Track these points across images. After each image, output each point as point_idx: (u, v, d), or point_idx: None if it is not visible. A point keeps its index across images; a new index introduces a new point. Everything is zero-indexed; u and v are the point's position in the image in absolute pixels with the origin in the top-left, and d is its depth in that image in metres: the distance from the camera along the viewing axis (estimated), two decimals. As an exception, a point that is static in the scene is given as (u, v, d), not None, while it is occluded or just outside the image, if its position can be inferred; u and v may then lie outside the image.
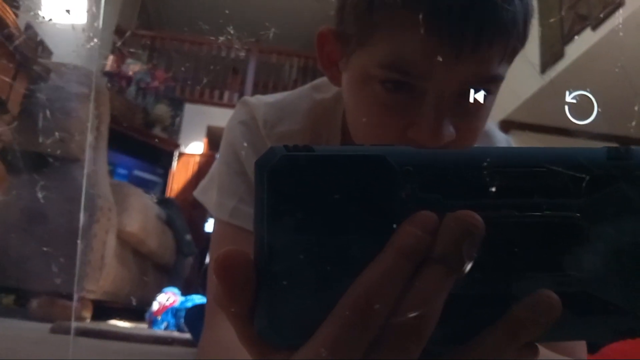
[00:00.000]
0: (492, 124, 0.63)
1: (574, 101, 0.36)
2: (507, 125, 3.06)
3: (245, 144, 0.57)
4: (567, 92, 0.35)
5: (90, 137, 1.45)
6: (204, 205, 0.60)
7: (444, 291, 0.22)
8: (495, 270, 0.22)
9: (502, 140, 0.63)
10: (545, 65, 2.91)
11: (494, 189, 0.22)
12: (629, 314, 0.23)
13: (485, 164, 0.22)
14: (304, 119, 0.58)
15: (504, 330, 0.22)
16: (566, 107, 0.36)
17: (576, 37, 2.68)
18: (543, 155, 0.23)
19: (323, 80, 0.62)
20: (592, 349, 0.79)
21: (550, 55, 2.84)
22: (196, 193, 0.62)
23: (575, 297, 0.23)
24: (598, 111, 0.35)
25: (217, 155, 0.61)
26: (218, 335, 0.51)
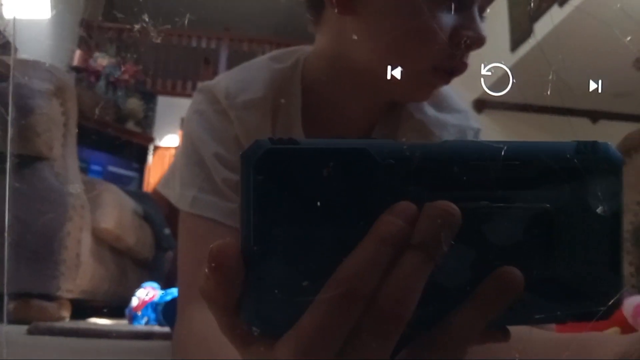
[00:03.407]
0: (453, 93, 0.65)
1: (489, 73, 0.37)
2: (480, 105, 3.09)
3: (201, 134, 0.57)
4: (482, 65, 0.36)
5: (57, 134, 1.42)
6: (167, 198, 0.60)
7: (423, 277, 0.22)
8: (471, 257, 0.23)
9: (458, 106, 0.65)
10: (515, 44, 2.94)
11: (470, 181, 0.23)
12: (589, 298, 0.24)
13: (462, 158, 0.24)
14: (265, 87, 0.59)
15: (470, 308, 0.23)
16: (482, 80, 0.37)
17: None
18: (517, 149, 0.24)
19: (280, 51, 0.64)
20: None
21: (520, 34, 2.87)
22: (159, 187, 0.62)
23: (542, 282, 0.24)
24: (513, 82, 0.36)
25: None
26: (193, 326, 0.51)
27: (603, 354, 0.34)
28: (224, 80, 0.61)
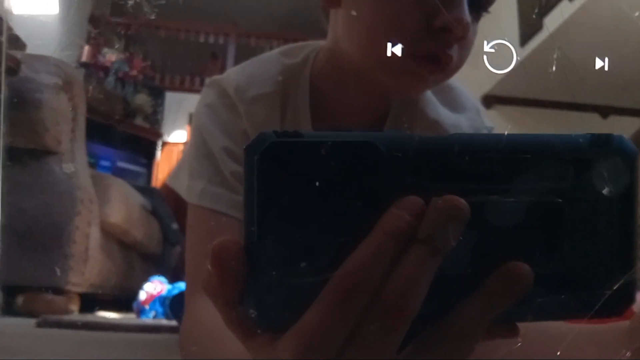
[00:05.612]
0: (464, 89, 0.64)
1: (493, 50, 0.37)
2: (489, 100, 3.06)
3: (210, 127, 0.58)
4: (485, 42, 0.36)
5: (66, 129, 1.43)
6: (176, 192, 0.60)
7: (430, 272, 0.22)
8: (480, 252, 0.23)
9: (471, 104, 0.64)
10: (524, 38, 2.91)
11: (478, 175, 0.23)
12: (600, 293, 0.24)
13: (471, 151, 0.23)
14: (274, 83, 0.59)
15: (478, 302, 0.23)
16: (484, 57, 0.36)
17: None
18: (528, 141, 0.23)
19: (291, 46, 0.63)
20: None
21: (529, 28, 2.84)
22: (169, 180, 0.63)
23: (552, 277, 0.23)
24: (517, 59, 0.36)
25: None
26: (200, 318, 0.51)
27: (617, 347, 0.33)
28: (234, 74, 0.61)
